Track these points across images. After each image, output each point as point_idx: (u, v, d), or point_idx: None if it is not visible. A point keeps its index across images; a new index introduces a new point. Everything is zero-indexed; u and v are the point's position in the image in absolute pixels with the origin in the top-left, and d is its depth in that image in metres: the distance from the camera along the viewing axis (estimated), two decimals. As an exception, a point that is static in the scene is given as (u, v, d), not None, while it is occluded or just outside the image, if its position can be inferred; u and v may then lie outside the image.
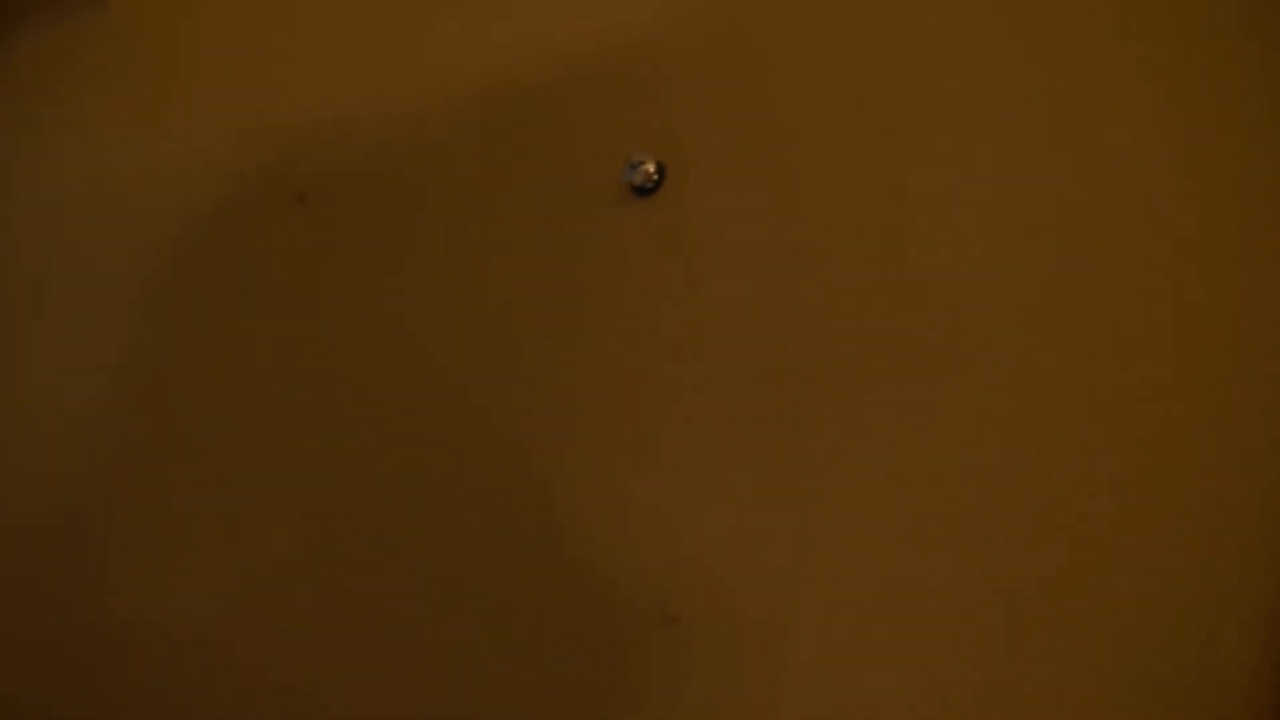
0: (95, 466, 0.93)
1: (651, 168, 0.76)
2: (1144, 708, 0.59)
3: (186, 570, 0.87)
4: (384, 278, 0.85)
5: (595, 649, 0.72)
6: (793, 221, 0.73)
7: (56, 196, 1.04)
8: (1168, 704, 0.59)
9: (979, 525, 0.64)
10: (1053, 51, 0.68)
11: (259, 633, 0.83)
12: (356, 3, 0.92)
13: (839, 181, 0.72)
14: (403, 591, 0.79)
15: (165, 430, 0.91)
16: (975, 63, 0.70)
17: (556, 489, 0.75)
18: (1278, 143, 0.62)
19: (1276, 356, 0.60)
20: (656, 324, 0.75)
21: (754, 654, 0.68)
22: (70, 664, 0.89)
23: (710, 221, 0.75)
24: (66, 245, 1.01)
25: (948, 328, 0.67)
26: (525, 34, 0.84)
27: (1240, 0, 0.65)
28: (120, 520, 0.91)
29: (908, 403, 0.67)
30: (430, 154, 0.86)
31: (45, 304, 1.01)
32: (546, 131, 0.82)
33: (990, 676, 0.62)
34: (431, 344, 0.83)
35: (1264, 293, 0.61)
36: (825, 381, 0.70)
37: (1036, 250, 0.66)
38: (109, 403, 0.95)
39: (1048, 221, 0.66)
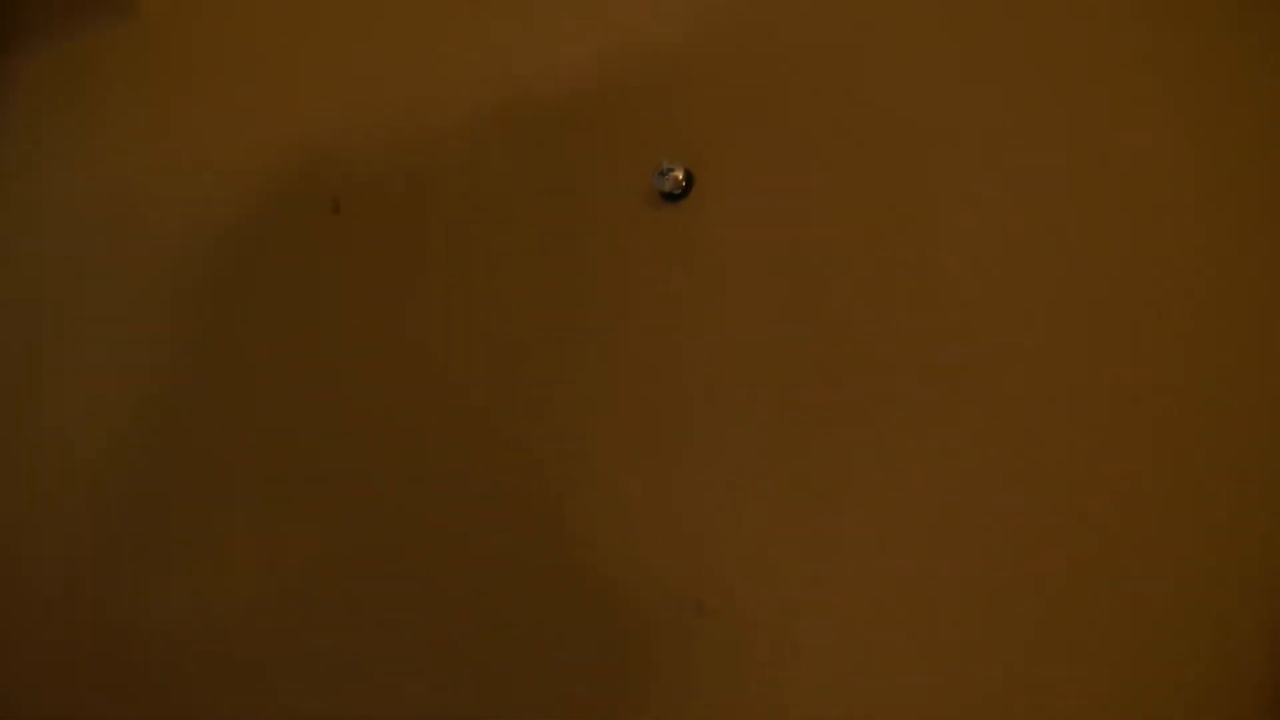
0: (122, 475, 0.96)
1: (680, 174, 0.78)
2: (1160, 706, 0.60)
3: (208, 576, 0.89)
4: (417, 285, 0.88)
5: (608, 654, 0.74)
6: (815, 227, 0.75)
7: (86, 204, 1.05)
8: (1185, 701, 0.59)
9: (998, 526, 0.66)
10: (1068, 56, 0.70)
11: (272, 638, 0.85)
12: (388, 14, 0.94)
13: (860, 188, 0.74)
14: (418, 598, 0.81)
15: (193, 438, 0.94)
16: (992, 70, 0.72)
17: (581, 493, 0.78)
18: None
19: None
20: (684, 327, 0.78)
21: (773, 656, 0.69)
22: (92, 670, 0.92)
23: (736, 227, 0.78)
24: (97, 253, 1.03)
25: (966, 331, 0.69)
26: (557, 45, 0.86)
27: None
28: (144, 528, 0.93)
29: (927, 405, 0.69)
30: (463, 161, 0.88)
31: (77, 311, 1.03)
32: (578, 139, 0.84)
33: (1008, 677, 0.64)
34: (461, 353, 0.85)
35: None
36: (847, 385, 0.72)
37: (1053, 251, 0.68)
38: (137, 409, 0.97)
39: (1064, 223, 0.68)
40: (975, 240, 0.70)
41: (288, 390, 0.91)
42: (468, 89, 0.89)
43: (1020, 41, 0.72)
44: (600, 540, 0.76)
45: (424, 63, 0.92)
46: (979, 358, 0.69)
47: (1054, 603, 0.63)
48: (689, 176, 0.79)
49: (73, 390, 1.01)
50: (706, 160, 0.79)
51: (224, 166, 0.98)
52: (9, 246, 1.08)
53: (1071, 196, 0.68)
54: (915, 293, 0.71)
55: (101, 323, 1.01)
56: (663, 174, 0.79)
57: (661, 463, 0.76)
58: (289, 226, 0.94)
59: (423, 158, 0.89)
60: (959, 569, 0.66)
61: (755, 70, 0.79)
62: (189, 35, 1.04)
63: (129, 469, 0.96)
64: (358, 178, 0.92)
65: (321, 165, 0.94)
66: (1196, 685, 0.59)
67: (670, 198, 0.79)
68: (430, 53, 0.91)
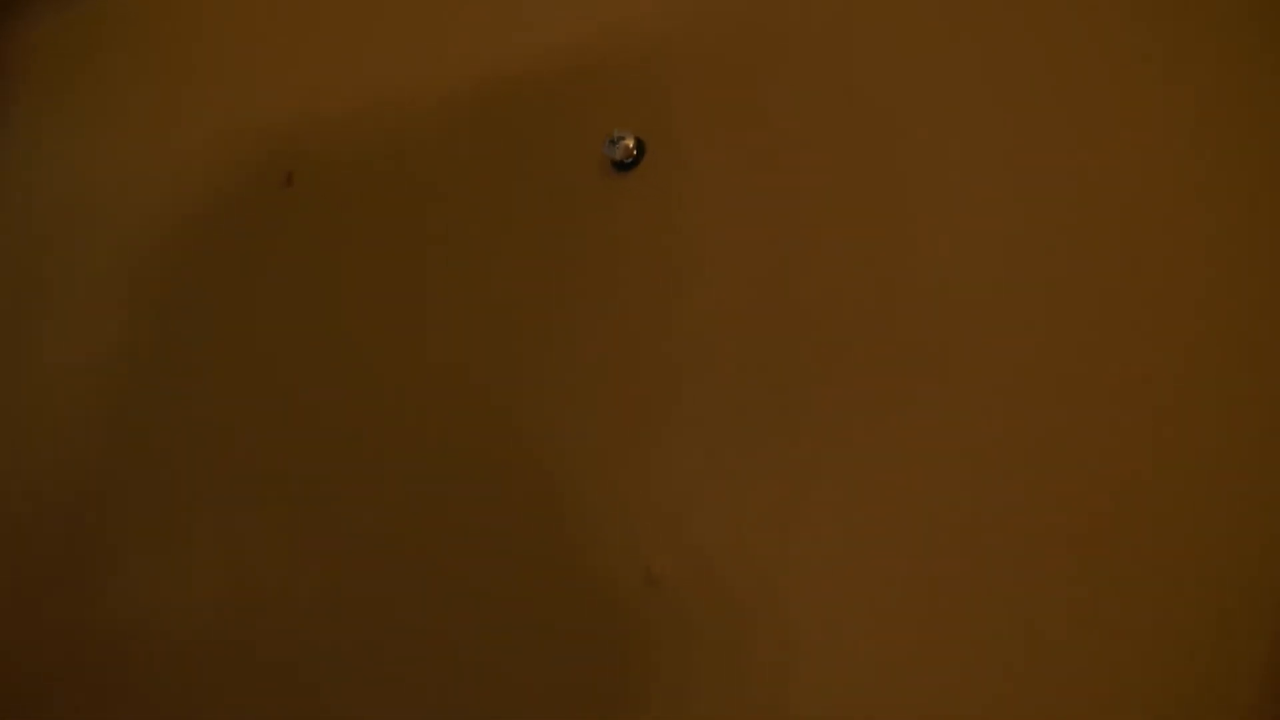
0: (95, 466, 0.94)
1: (631, 143, 0.78)
2: (1161, 706, 0.59)
3: (185, 569, 0.88)
4: (369, 260, 0.87)
5: (595, 635, 0.72)
6: (775, 201, 0.74)
7: (50, 187, 1.05)
8: (1186, 701, 0.58)
9: (992, 516, 0.64)
10: (1047, 45, 0.69)
11: (259, 633, 0.83)
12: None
13: (822, 159, 0.73)
14: (403, 588, 0.79)
15: (163, 425, 0.92)
16: (966, 52, 0.71)
17: (551, 475, 0.76)
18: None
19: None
20: (638, 303, 0.76)
21: (751, 633, 0.68)
22: (68, 664, 0.90)
23: (691, 197, 0.77)
24: (59, 237, 1.03)
25: (938, 316, 0.68)
26: (506, 13, 0.86)
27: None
28: (118, 519, 0.92)
29: (900, 389, 0.68)
30: (414, 134, 0.87)
31: (38, 303, 1.02)
32: (527, 109, 0.83)
33: (1007, 674, 0.62)
34: (418, 325, 0.84)
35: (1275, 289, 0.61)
36: (815, 363, 0.70)
37: (1030, 239, 0.66)
38: (106, 396, 0.96)
39: (1041, 210, 0.66)
40: (946, 225, 0.69)
41: (253, 374, 0.90)
42: (418, 62, 0.88)
43: (997, 29, 0.70)
44: (562, 528, 0.75)
45: (376, 38, 0.91)
46: (952, 345, 0.67)
47: (1055, 598, 0.62)
48: (640, 145, 0.78)
49: (24, 380, 1.00)
50: (659, 128, 0.78)
51: (178, 142, 0.98)
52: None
53: (1048, 185, 0.67)
54: (884, 276, 0.70)
55: (54, 306, 1.01)
56: (613, 142, 0.78)
57: (625, 449, 0.75)
58: (242, 200, 0.93)
59: (373, 130, 0.89)
60: (952, 561, 0.64)
61: (709, 33, 0.79)
62: (145, 14, 1.04)
63: (85, 462, 0.95)
64: (314, 153, 0.92)
65: (278, 140, 0.93)
66: (1197, 685, 0.58)
67: (622, 167, 0.79)
68: (382, 28, 0.91)
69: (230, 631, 0.84)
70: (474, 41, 0.86)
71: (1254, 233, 0.62)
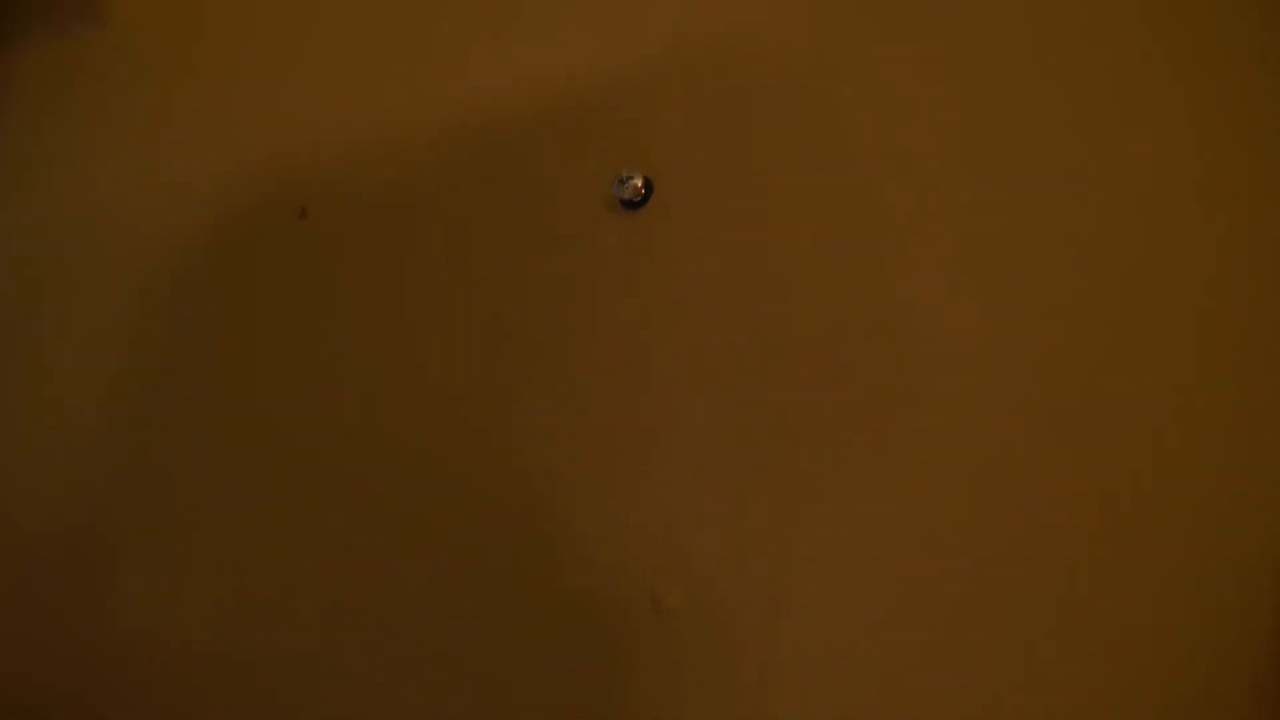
0: (97, 480, 0.96)
1: (639, 182, 0.80)
2: (1161, 706, 0.60)
3: (186, 582, 0.89)
4: (381, 291, 0.89)
5: (589, 653, 0.74)
6: (775, 233, 0.77)
7: (56, 212, 1.05)
8: (1186, 700, 0.60)
9: (983, 524, 0.66)
10: (1036, 79, 0.71)
11: (258, 644, 0.85)
12: (355, 25, 0.95)
13: (822, 195, 0.76)
14: (400, 601, 0.81)
15: (166, 444, 0.94)
16: (957, 99, 0.73)
17: (548, 497, 0.78)
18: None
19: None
20: (644, 334, 0.79)
21: (754, 658, 0.70)
22: (69, 674, 0.92)
23: (694, 235, 0.79)
24: (67, 261, 1.03)
25: (925, 349, 0.70)
26: (520, 55, 0.88)
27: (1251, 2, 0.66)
28: (121, 533, 0.93)
29: (889, 413, 0.70)
30: (426, 169, 0.89)
31: (46, 321, 1.03)
32: (540, 148, 0.85)
33: (1002, 678, 0.64)
34: (428, 355, 0.86)
35: (1265, 298, 0.63)
36: (807, 395, 0.73)
37: (1016, 276, 0.69)
38: (111, 417, 0.97)
39: (1029, 247, 0.69)
40: (934, 263, 0.72)
41: (254, 392, 0.92)
42: (432, 98, 0.90)
43: (984, 68, 0.73)
44: (562, 545, 0.77)
45: (390, 72, 0.93)
46: (939, 378, 0.70)
47: (1049, 600, 0.64)
48: (648, 184, 0.80)
49: (45, 400, 1.01)
50: (666, 169, 0.81)
51: (191, 172, 0.99)
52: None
53: (1034, 220, 0.69)
54: (878, 299, 0.73)
55: (65, 328, 1.02)
56: (622, 182, 0.80)
57: (623, 474, 0.77)
58: (255, 231, 0.94)
59: (387, 165, 0.90)
60: (945, 568, 0.66)
61: (715, 79, 0.81)
62: (158, 42, 1.04)
63: (89, 475, 0.96)
64: (324, 184, 0.93)
65: (288, 171, 0.94)
66: (1197, 684, 0.60)
67: (630, 205, 0.81)
68: (396, 62, 0.93)
69: (230, 642, 0.86)
70: (486, 79, 0.88)
71: (1255, 234, 0.63)
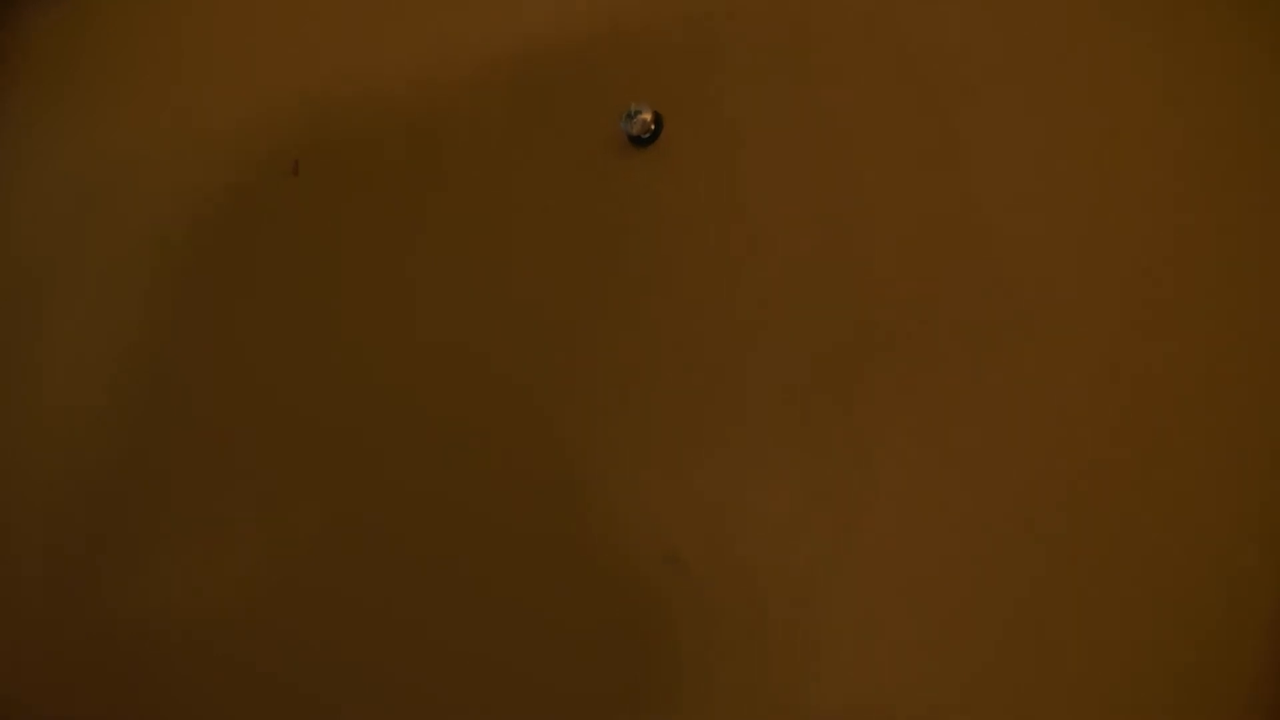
0: (100, 459, 0.92)
1: (649, 116, 0.75)
2: (1162, 705, 0.58)
3: (195, 568, 0.85)
4: (380, 246, 0.84)
5: (626, 644, 0.70)
6: (804, 176, 0.71)
7: (55, 177, 1.03)
8: (1188, 699, 0.58)
9: (1022, 516, 0.62)
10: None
11: (269, 634, 0.81)
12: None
13: (854, 134, 0.70)
14: (429, 585, 0.77)
15: (172, 420, 0.90)
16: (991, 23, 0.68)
17: (583, 472, 0.73)
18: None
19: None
20: (663, 284, 0.74)
21: (791, 644, 0.66)
22: (73, 665, 0.88)
23: (713, 172, 0.74)
24: (66, 228, 1.00)
25: (1005, 285, 0.65)
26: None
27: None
28: (126, 517, 0.90)
29: (965, 370, 0.65)
30: (419, 116, 0.84)
31: (49, 289, 1.00)
32: (539, 85, 0.80)
33: (1028, 670, 0.61)
34: (431, 313, 0.81)
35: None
36: (867, 349, 0.67)
37: (1098, 202, 0.64)
38: (114, 391, 0.94)
39: (1105, 175, 0.64)
40: (1004, 187, 0.66)
41: (258, 371, 0.88)
42: (424, 41, 0.86)
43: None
44: (600, 528, 0.72)
45: (382, 18, 0.89)
46: (1021, 316, 0.64)
47: (1076, 596, 0.60)
48: (658, 118, 0.75)
49: (52, 371, 0.98)
50: (677, 101, 0.75)
51: (182, 132, 0.95)
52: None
53: (1110, 146, 0.64)
54: (939, 247, 0.67)
55: (76, 301, 0.99)
56: (630, 116, 0.75)
57: (663, 448, 0.72)
58: (248, 189, 0.91)
59: (379, 114, 0.86)
60: (988, 558, 0.62)
61: (729, 12, 0.76)
62: (140, 14, 1.02)
63: (96, 461, 0.93)
64: (322, 140, 0.89)
65: (286, 127, 0.91)
66: (1199, 683, 0.58)
67: (639, 142, 0.75)
68: (389, 7, 0.88)
69: (237, 633, 0.82)
70: (481, 18, 0.84)
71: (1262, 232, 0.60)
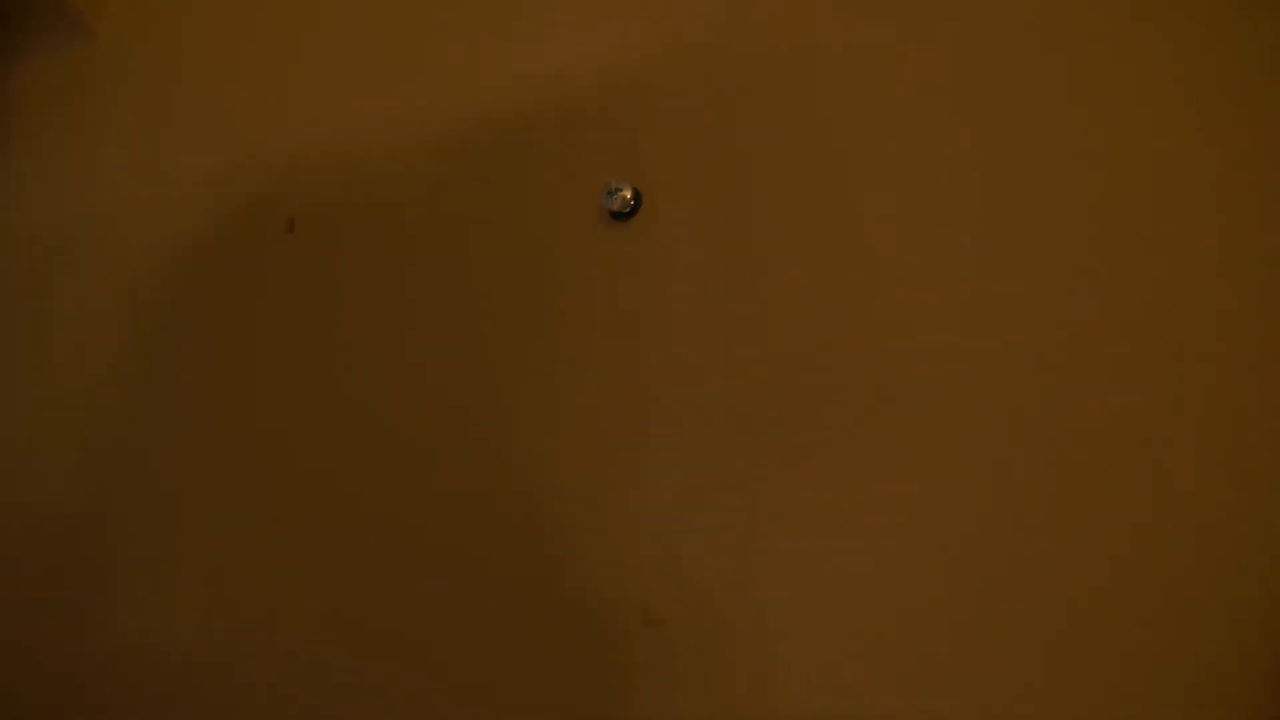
0: (89, 489, 0.95)
1: (628, 193, 0.79)
2: (1164, 703, 0.60)
3: (176, 593, 0.88)
4: (371, 302, 0.88)
5: (584, 660, 0.73)
6: (764, 248, 0.77)
7: (48, 222, 1.05)
8: (1189, 697, 0.59)
9: (973, 526, 0.66)
10: (1019, 86, 0.72)
11: (249, 653, 0.84)
12: (343, 37, 0.95)
13: (809, 210, 0.76)
14: (393, 609, 0.80)
15: (156, 451, 0.93)
16: (950, 105, 0.73)
17: (543, 506, 0.77)
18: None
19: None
20: (635, 344, 0.78)
21: (733, 655, 0.70)
22: (60, 687, 0.90)
23: (683, 245, 0.79)
24: (61, 275, 1.03)
25: (915, 354, 0.70)
26: (510, 67, 0.88)
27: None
28: (111, 543, 0.92)
29: (879, 418, 0.70)
30: (414, 180, 0.89)
31: (41, 335, 1.02)
32: (529, 160, 0.85)
33: (1000, 682, 0.64)
34: (419, 366, 0.85)
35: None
36: (798, 402, 0.72)
37: (1009, 280, 0.69)
38: (101, 422, 0.96)
39: (1022, 251, 0.69)
40: (933, 253, 0.71)
41: (243, 406, 0.91)
42: (421, 110, 0.90)
43: (970, 81, 0.73)
44: (555, 553, 0.76)
45: (378, 84, 0.93)
46: (925, 381, 0.69)
47: (1041, 601, 0.64)
48: (637, 195, 0.80)
49: (20, 404, 1.00)
50: (655, 180, 0.80)
51: (179, 186, 0.98)
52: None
53: (1019, 226, 0.69)
54: (868, 305, 0.72)
55: (52, 342, 1.01)
56: (611, 193, 0.80)
57: (613, 481, 0.76)
58: (244, 245, 0.94)
59: (376, 178, 0.90)
60: (939, 569, 0.66)
61: (704, 89, 0.81)
62: (146, 57, 1.05)
63: (79, 486, 0.95)
64: (315, 199, 0.93)
65: (280, 185, 0.94)
66: (1200, 681, 0.59)
67: (619, 216, 0.80)
68: (385, 75, 0.93)
69: (221, 651, 0.84)
70: (472, 88, 0.88)
71: (1259, 231, 0.63)
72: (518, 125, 0.86)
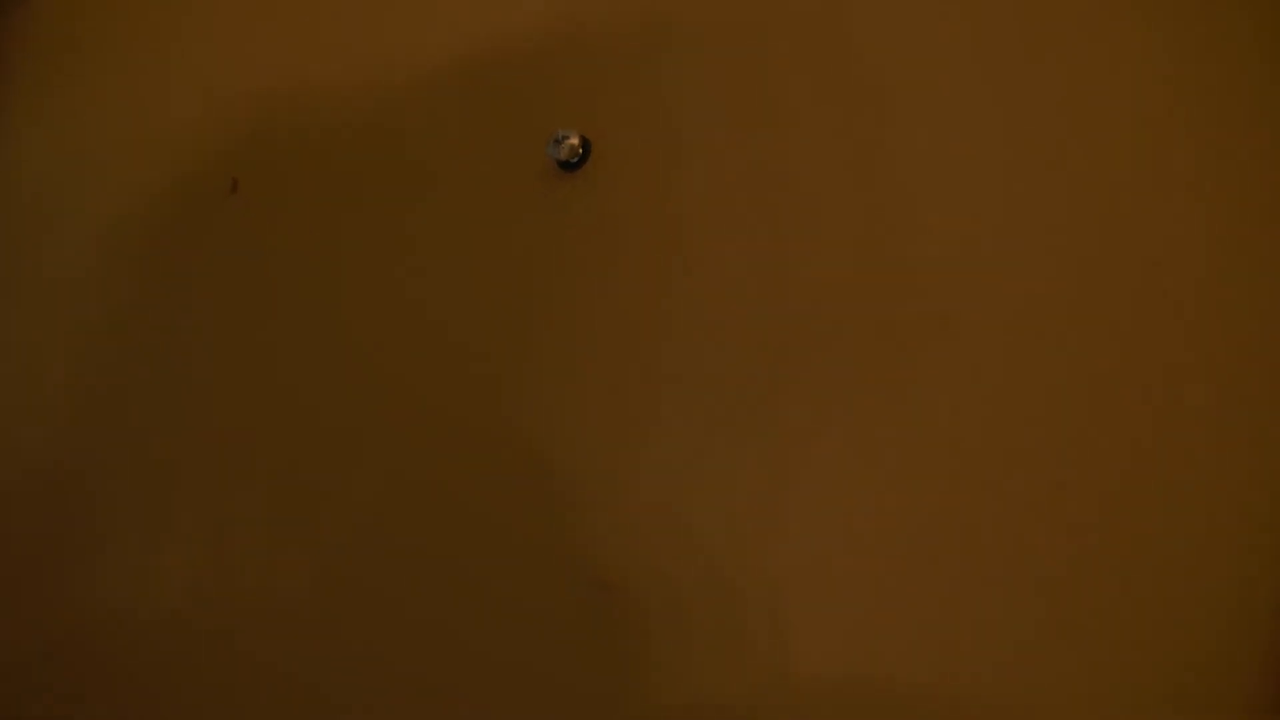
0: (77, 455, 0.92)
1: (576, 141, 0.76)
2: (1162, 701, 0.59)
3: (167, 555, 0.86)
4: (317, 264, 0.85)
5: (594, 626, 0.71)
6: (723, 199, 0.74)
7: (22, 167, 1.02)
8: (1187, 695, 0.59)
9: (983, 504, 0.64)
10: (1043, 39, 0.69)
11: (248, 620, 0.82)
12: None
13: (771, 156, 0.73)
14: (393, 575, 0.78)
15: (145, 409, 0.90)
16: (950, 40, 0.71)
17: (542, 469, 0.75)
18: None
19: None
20: (591, 304, 0.76)
21: (755, 638, 0.68)
22: (48, 651, 0.88)
23: (641, 196, 0.76)
24: (14, 238, 1.00)
25: (927, 291, 0.67)
26: (442, 11, 0.84)
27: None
28: (98, 505, 0.90)
29: (884, 372, 0.67)
30: (350, 137, 0.86)
31: (10, 282, 1.00)
32: (466, 109, 0.82)
33: (1003, 666, 0.62)
34: (358, 329, 0.83)
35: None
36: (794, 352, 0.70)
37: (1021, 204, 0.66)
38: (85, 380, 0.94)
39: (1033, 204, 0.66)
40: (929, 191, 0.69)
41: (229, 362, 0.88)
42: (355, 61, 0.86)
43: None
44: (549, 518, 0.75)
45: (316, 38, 0.89)
46: (942, 320, 0.67)
47: (1052, 583, 0.62)
48: (586, 143, 0.77)
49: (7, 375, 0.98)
50: (604, 126, 0.77)
51: (123, 150, 0.96)
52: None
53: (1044, 147, 0.67)
54: (862, 251, 0.69)
55: (27, 292, 0.98)
56: (557, 142, 0.77)
57: (588, 432, 0.74)
58: (187, 207, 0.91)
59: (312, 135, 0.87)
60: (917, 545, 0.65)
61: (656, 28, 0.78)
62: (80, 20, 1.01)
63: (64, 446, 0.93)
64: (259, 158, 0.90)
65: (219, 146, 0.91)
66: (1197, 679, 0.59)
67: (567, 166, 0.77)
68: (322, 28, 0.89)
69: (214, 612, 0.83)
70: (409, 40, 0.85)
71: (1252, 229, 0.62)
72: (452, 74, 0.82)
